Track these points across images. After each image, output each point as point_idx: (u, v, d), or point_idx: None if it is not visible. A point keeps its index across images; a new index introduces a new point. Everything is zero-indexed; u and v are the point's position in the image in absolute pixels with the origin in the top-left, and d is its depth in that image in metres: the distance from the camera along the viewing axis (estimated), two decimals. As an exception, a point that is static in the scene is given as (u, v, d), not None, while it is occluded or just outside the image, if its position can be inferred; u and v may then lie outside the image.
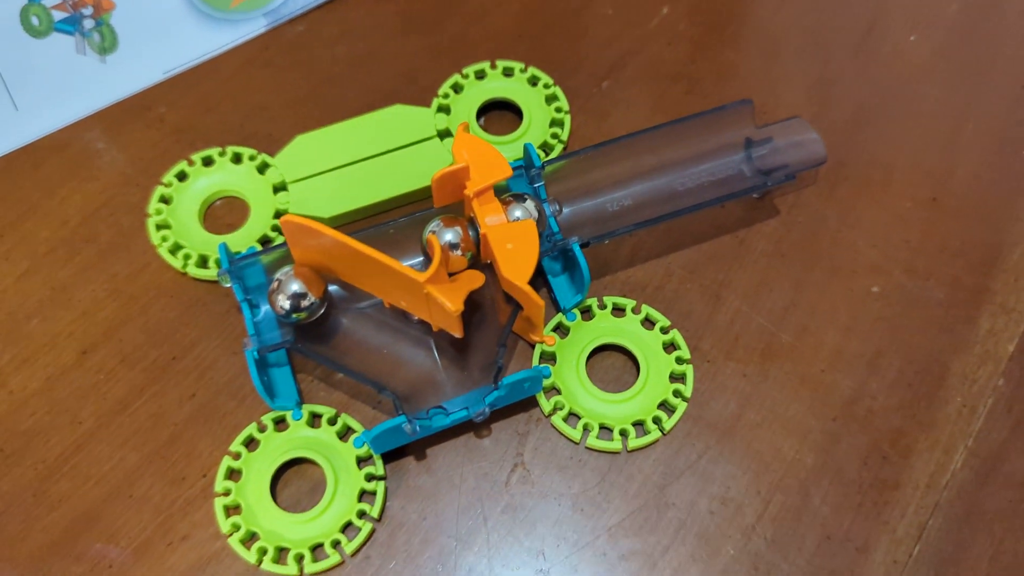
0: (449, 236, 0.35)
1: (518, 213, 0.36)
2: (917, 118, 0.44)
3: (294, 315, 0.34)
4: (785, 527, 0.34)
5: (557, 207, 0.38)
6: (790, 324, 0.38)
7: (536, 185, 0.38)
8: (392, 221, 0.37)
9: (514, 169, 0.38)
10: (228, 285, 0.35)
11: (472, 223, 0.35)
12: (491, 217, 0.35)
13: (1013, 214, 0.41)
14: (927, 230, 0.41)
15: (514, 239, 0.34)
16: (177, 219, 0.40)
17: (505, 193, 0.37)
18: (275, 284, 0.34)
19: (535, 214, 0.36)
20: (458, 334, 0.33)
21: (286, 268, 0.35)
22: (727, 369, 0.37)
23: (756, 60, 0.46)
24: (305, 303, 0.34)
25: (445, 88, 0.43)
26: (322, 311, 0.35)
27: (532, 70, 0.44)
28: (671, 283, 0.39)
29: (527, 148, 0.38)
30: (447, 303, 0.32)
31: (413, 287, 0.32)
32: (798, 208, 0.41)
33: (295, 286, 0.34)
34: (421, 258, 0.37)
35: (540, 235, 0.35)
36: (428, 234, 0.35)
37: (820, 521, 0.34)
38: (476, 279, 0.35)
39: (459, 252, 0.35)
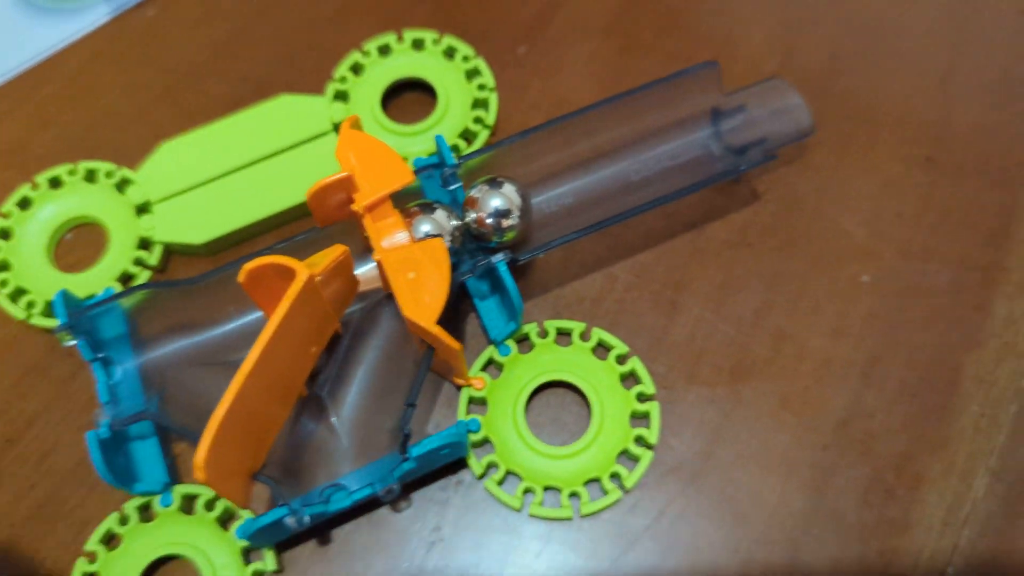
0: None
1: (425, 228, 0.28)
2: (902, 59, 0.37)
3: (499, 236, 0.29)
4: (771, 595, 0.28)
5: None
6: (764, 331, 0.32)
7: (452, 188, 0.31)
8: (269, 249, 0.30)
9: (425, 169, 0.31)
10: (70, 344, 0.28)
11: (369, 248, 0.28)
12: (389, 237, 0.28)
13: (1025, 169, 0.34)
14: (923, 198, 0.34)
15: (416, 265, 0.27)
16: (20, 257, 0.33)
17: (413, 202, 0.29)
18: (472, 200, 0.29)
19: (448, 227, 0.29)
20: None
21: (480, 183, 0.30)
22: (689, 396, 0.31)
23: (703, 1, 0.38)
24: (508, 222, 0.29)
25: (342, 70, 0.36)
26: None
27: (449, 39, 0.36)
28: (614, 293, 0.32)
29: (437, 141, 0.31)
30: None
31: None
32: (764, 183, 0.34)
33: (497, 201, 0.29)
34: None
35: (457, 253, 0.28)
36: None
37: (814, 584, 0.28)
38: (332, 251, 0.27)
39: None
